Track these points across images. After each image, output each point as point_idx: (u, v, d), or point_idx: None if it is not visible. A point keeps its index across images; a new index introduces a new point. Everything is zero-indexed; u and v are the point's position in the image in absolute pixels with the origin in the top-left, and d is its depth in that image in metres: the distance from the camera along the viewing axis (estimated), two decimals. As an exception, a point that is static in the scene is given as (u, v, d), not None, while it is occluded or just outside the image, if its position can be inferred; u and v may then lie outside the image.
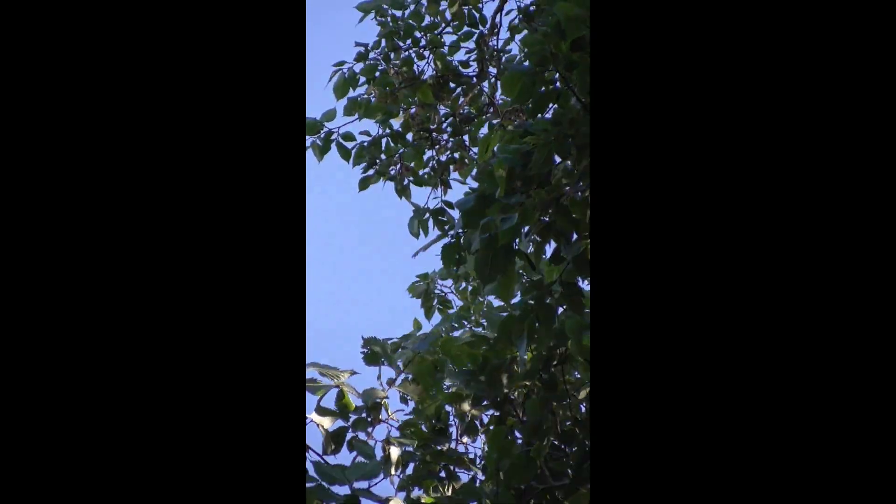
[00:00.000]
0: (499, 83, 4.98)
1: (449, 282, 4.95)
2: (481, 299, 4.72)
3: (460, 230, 3.17)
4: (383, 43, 5.04)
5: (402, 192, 4.96)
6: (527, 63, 3.06)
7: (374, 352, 3.64)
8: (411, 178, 4.99)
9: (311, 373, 3.33)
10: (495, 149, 3.22)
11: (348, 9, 4.96)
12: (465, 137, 5.07)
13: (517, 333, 3.08)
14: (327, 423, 3.28)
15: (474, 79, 5.15)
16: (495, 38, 5.13)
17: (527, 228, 2.98)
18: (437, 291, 4.89)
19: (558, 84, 3.11)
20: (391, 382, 3.63)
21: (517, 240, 3.01)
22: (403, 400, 3.70)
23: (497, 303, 4.02)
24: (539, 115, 3.18)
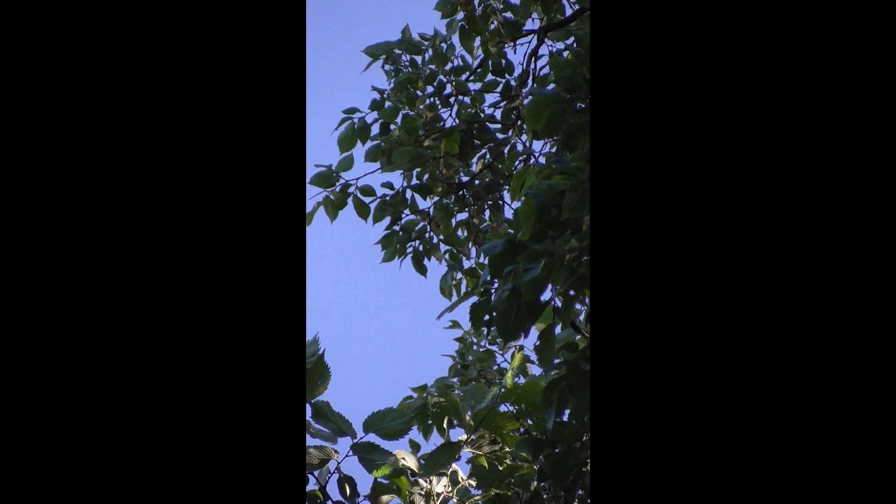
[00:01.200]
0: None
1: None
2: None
3: (488, 279, 2.66)
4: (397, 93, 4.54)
5: (433, 253, 4.45)
6: (552, 86, 2.63)
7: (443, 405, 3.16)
8: (441, 238, 4.48)
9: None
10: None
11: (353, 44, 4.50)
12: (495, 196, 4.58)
13: (546, 404, 2.61)
14: (384, 501, 2.93)
15: (509, 132, 4.62)
16: (526, 88, 4.61)
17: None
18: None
19: (593, 113, 2.62)
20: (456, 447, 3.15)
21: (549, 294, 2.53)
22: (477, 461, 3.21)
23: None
24: (572, 150, 2.70)
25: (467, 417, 3.26)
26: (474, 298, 2.75)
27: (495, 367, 4.62)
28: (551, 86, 2.67)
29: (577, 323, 2.77)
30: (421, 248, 4.47)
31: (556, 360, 2.73)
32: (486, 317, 2.72)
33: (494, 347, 4.29)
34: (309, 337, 2.91)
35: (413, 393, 3.53)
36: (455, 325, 4.24)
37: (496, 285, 2.64)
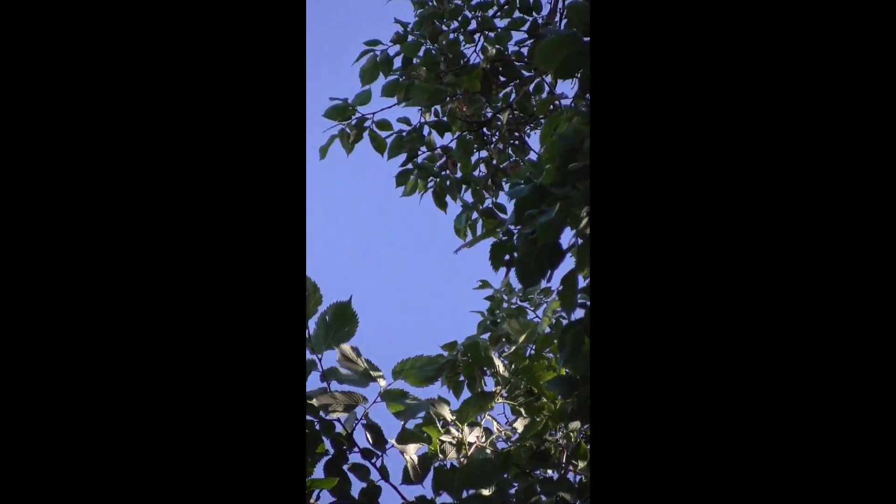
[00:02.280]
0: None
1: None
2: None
3: (511, 226, 2.56)
4: (423, 26, 4.39)
5: (449, 192, 4.31)
6: (573, 30, 2.46)
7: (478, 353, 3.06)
8: (458, 176, 4.35)
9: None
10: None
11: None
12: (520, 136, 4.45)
13: (559, 346, 2.50)
14: (412, 449, 2.80)
15: (534, 71, 4.47)
16: (553, 27, 4.44)
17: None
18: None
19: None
20: (494, 397, 3.10)
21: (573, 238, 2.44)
22: (516, 411, 3.17)
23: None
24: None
25: (501, 368, 3.20)
26: (492, 240, 2.64)
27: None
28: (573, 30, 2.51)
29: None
30: (437, 186, 4.34)
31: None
32: (507, 257, 2.60)
33: (526, 304, 4.18)
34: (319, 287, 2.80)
35: (443, 351, 3.42)
36: (485, 284, 4.10)
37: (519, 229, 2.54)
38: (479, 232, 4.14)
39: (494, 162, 4.45)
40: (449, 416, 2.99)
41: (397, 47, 4.37)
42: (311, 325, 2.71)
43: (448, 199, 4.39)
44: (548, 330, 3.40)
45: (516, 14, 4.49)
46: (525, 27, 4.50)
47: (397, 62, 4.35)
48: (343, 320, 2.77)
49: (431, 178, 4.34)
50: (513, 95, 4.51)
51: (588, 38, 2.47)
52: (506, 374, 3.21)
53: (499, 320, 3.97)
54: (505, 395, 3.24)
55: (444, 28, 4.38)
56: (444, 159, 4.29)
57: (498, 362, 3.23)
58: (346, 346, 2.77)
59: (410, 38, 4.33)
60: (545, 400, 3.17)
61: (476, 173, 4.43)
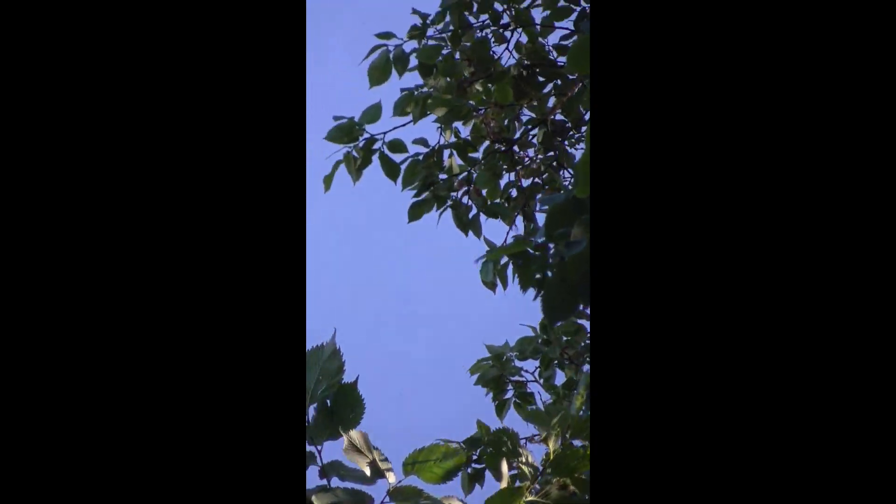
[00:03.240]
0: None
1: (530, 364, 3.59)
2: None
3: (542, 239, 2.40)
4: (448, 17, 3.64)
5: (469, 225, 3.58)
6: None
7: None
8: (482, 207, 3.62)
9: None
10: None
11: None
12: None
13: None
14: None
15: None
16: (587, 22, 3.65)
17: None
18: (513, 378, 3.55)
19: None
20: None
21: None
22: None
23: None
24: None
25: (530, 458, 2.87)
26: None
27: (583, 345, 3.83)
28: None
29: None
30: (456, 218, 3.62)
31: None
32: (537, 276, 2.45)
33: (583, 321, 3.53)
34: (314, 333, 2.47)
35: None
36: (534, 332, 3.47)
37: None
38: (509, 282, 3.42)
39: (527, 183, 3.72)
40: None
41: (414, 43, 3.67)
42: (311, 410, 2.44)
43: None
44: (583, 413, 2.90)
45: (561, 2, 3.72)
46: (572, 17, 3.74)
47: (413, 61, 3.60)
48: (348, 405, 2.49)
49: (453, 193, 3.62)
50: (551, 101, 3.76)
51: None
52: (534, 464, 2.87)
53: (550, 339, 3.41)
54: (537, 488, 2.85)
55: (473, 21, 3.62)
56: (467, 187, 3.54)
57: (526, 452, 2.87)
58: (354, 434, 2.48)
59: (432, 31, 3.58)
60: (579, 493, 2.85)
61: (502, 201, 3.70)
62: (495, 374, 3.54)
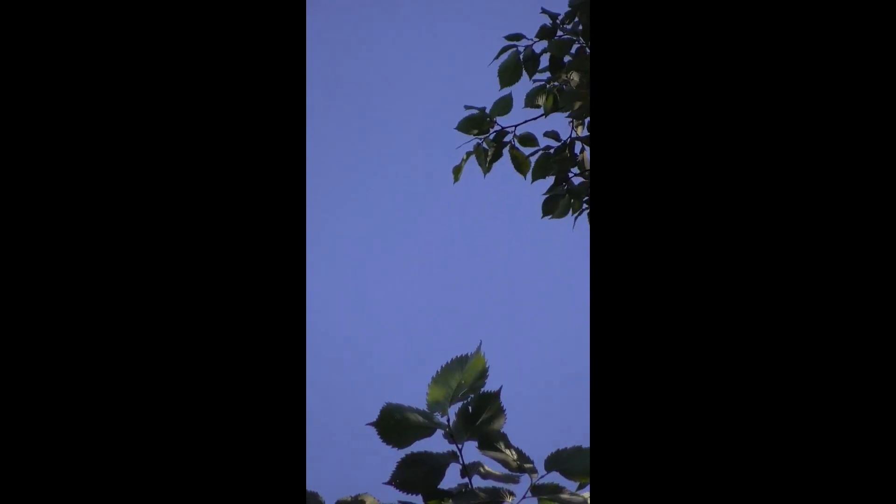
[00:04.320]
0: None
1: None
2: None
3: None
4: (577, 17, 3.62)
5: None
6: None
7: None
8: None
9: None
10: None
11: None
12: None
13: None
14: None
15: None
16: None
17: None
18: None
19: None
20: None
21: None
22: None
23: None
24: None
25: None
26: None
27: None
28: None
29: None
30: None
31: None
32: None
33: None
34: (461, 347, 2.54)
35: None
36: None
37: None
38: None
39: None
40: None
41: (544, 43, 3.66)
42: (452, 413, 2.52)
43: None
44: None
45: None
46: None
47: (543, 61, 3.63)
48: (488, 411, 2.52)
49: (587, 197, 3.57)
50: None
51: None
52: None
53: None
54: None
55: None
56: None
57: None
58: (494, 434, 2.52)
59: (560, 32, 3.57)
60: None
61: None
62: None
